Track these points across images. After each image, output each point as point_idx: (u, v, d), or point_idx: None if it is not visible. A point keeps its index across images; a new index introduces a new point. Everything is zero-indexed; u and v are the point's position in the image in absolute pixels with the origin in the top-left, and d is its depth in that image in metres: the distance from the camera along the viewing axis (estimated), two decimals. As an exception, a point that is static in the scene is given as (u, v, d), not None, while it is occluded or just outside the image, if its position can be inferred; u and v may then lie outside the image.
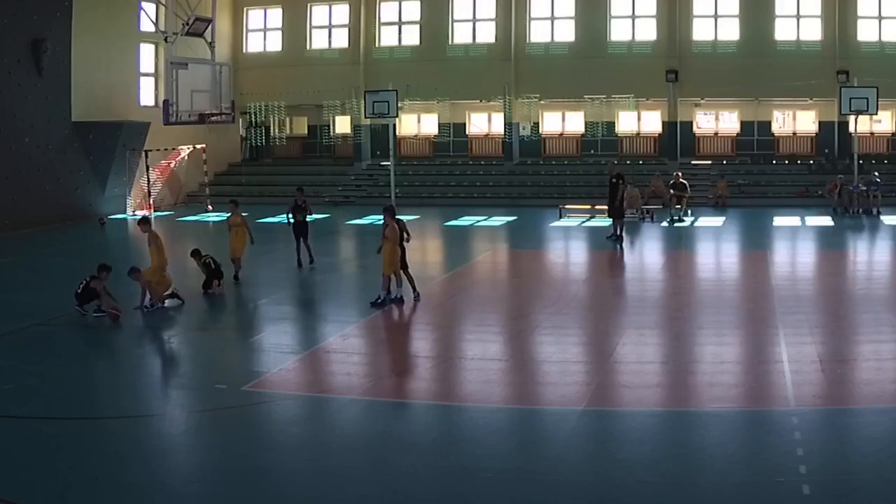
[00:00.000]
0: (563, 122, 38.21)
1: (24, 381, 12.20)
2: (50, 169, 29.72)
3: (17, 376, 12.38)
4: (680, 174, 31.13)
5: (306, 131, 40.65)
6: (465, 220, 30.35)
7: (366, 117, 36.10)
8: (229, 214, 20.13)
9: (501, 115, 37.52)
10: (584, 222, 29.40)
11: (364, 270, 20.76)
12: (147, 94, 35.61)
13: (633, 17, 36.12)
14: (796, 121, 36.47)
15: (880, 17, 33.90)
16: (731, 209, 31.58)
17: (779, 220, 28.63)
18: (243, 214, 20.12)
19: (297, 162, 39.93)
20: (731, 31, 35.25)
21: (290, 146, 40.22)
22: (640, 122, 37.26)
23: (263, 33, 39.88)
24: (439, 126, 38.59)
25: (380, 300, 16.58)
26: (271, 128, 39.55)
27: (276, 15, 39.54)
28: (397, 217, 17.16)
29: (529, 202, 33.93)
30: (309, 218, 21.65)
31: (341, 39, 38.95)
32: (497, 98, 37.00)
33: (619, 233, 24.77)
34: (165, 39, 29.22)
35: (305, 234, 21.44)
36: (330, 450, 10.01)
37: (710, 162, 35.65)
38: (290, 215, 21.57)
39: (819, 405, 10.77)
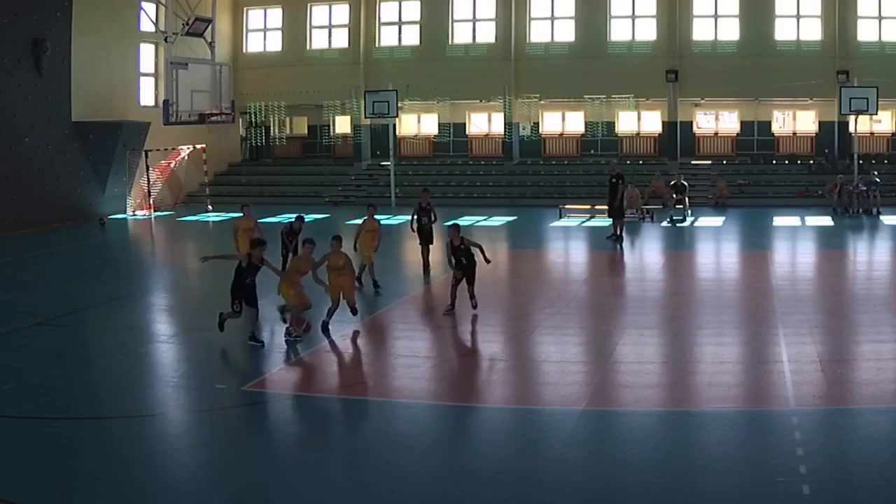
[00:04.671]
0: (562, 122, 38.18)
1: (24, 381, 12.19)
2: (50, 169, 29.69)
3: (17, 376, 12.36)
4: (681, 176, 31.23)
5: (306, 131, 40.62)
6: (465, 220, 30.23)
7: (366, 117, 36.15)
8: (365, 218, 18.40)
9: (501, 115, 37.49)
10: (584, 222, 29.39)
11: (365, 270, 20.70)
12: (147, 94, 35.58)
13: (633, 17, 36.10)
14: (796, 121, 36.44)
15: (880, 17, 33.88)
16: (731, 209, 31.57)
17: (779, 220, 28.62)
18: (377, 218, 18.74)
19: (297, 162, 39.92)
20: (731, 31, 35.24)
21: (290, 146, 40.21)
22: (640, 122, 37.24)
23: (263, 33, 39.87)
24: (439, 126, 38.56)
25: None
26: (271, 128, 39.55)
27: (276, 15, 39.53)
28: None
29: (529, 202, 33.92)
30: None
31: (341, 39, 38.94)
32: (497, 98, 36.99)
33: (619, 233, 24.76)
34: (165, 39, 29.31)
35: (430, 238, 19.82)
36: (330, 450, 10.02)
37: (710, 162, 35.63)
38: (415, 218, 19.97)
39: (819, 405, 10.76)
